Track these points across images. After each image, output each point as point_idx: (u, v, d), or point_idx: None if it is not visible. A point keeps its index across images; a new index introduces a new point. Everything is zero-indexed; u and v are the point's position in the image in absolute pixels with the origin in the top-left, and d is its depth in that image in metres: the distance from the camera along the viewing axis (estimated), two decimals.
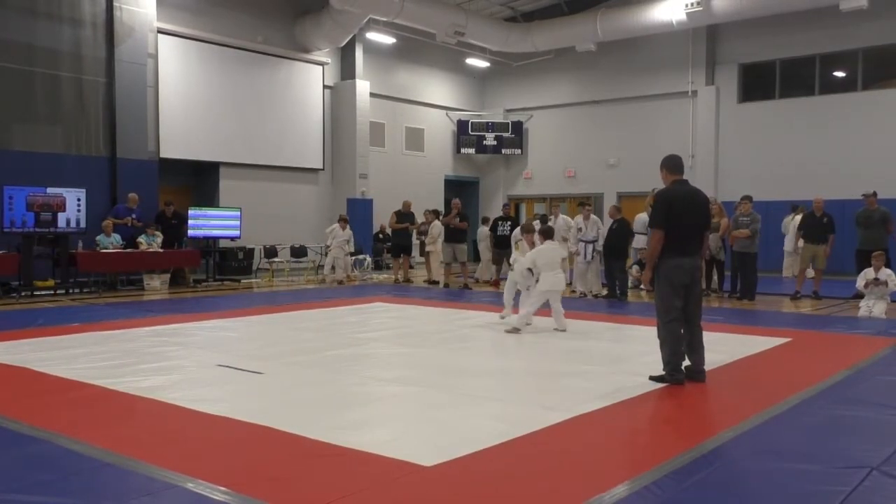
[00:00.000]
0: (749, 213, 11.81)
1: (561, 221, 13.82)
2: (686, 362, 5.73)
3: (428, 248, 15.47)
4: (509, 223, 14.10)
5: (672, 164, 5.86)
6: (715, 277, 12.66)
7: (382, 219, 18.75)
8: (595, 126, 21.16)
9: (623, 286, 12.15)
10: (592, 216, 12.67)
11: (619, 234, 12.07)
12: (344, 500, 3.34)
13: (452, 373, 6.12)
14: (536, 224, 13.04)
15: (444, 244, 14.73)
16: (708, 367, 5.87)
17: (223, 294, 13.06)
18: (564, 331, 8.30)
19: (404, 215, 15.68)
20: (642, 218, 13.91)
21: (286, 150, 18.09)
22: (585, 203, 13.11)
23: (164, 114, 15.82)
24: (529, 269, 8.56)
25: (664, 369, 5.68)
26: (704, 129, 19.15)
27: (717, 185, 18.68)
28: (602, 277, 12.51)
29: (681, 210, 5.63)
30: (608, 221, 12.47)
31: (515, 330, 8.12)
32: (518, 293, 8.82)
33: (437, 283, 14.97)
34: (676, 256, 5.60)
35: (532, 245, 8.61)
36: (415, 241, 16.43)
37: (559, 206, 15.58)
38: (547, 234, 8.49)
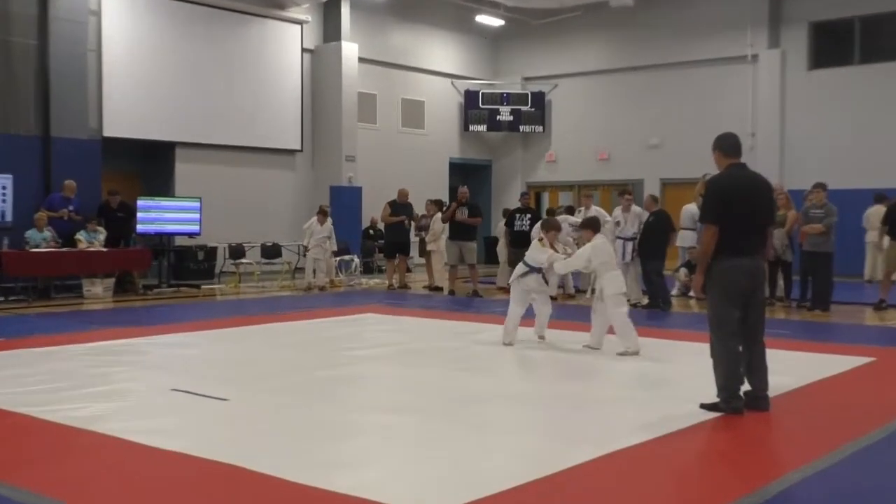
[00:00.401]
0: (823, 204, 11.79)
1: (595, 214, 13.82)
2: (745, 387, 5.72)
3: (429, 247, 15.48)
4: (529, 216, 14.10)
5: (727, 145, 5.85)
6: (780, 283, 12.63)
7: (374, 211, 18.78)
8: (633, 98, 21.18)
9: (662, 293, 12.14)
10: (634, 207, 12.67)
11: (656, 231, 12.07)
12: None
13: (459, 399, 6.13)
14: (565, 219, 13.09)
15: (448, 242, 14.75)
16: (772, 392, 5.86)
17: (179, 303, 13.09)
18: (544, 338, 8.47)
19: (400, 207, 15.69)
20: (691, 210, 13.90)
21: (256, 127, 18.15)
22: (626, 192, 13.11)
23: (109, 83, 15.87)
24: (544, 277, 8.51)
25: (718, 395, 5.67)
26: (767, 102, 19.14)
27: (783, 169, 18.67)
28: (642, 283, 12.52)
29: (738, 200, 5.62)
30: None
31: (632, 353, 7.91)
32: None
33: (440, 289, 15.00)
34: (733, 257, 5.60)
35: (555, 245, 8.58)
36: (413, 239, 16.44)
37: (591, 195, 15.57)
38: (594, 226, 8.40)
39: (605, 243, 8.26)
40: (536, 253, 8.47)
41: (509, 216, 14.79)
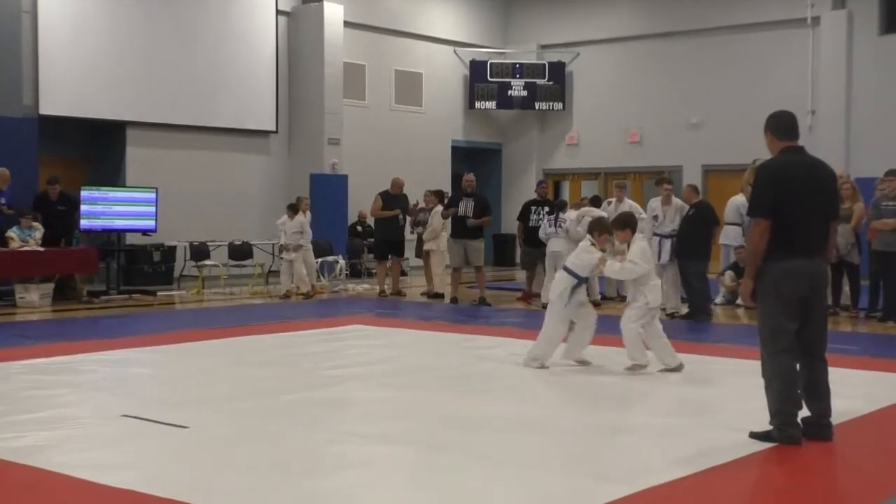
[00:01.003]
0: None
1: (628, 209, 13.80)
2: (804, 412, 5.72)
3: (427, 246, 15.48)
4: (546, 210, 14.14)
5: (781, 125, 5.85)
6: (846, 289, 12.62)
7: (362, 204, 18.79)
8: (670, 69, 21.20)
9: (704, 300, 12.16)
10: (675, 200, 12.63)
11: (697, 226, 12.05)
12: None
13: (462, 427, 6.12)
14: (587, 212, 13.05)
15: (450, 241, 14.75)
16: (836, 418, 5.86)
17: (131, 312, 13.09)
18: (586, 363, 8.38)
19: (394, 199, 15.70)
20: (738, 202, 13.90)
21: (223, 104, 18.17)
22: (665, 180, 13.07)
23: (47, 51, 15.88)
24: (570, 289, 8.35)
25: (771, 422, 5.67)
26: (830, 73, 19.13)
27: (849, 154, 18.65)
28: (682, 289, 12.52)
29: (794, 190, 5.62)
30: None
31: (675, 368, 7.96)
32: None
33: (440, 296, 15.00)
34: (789, 258, 5.60)
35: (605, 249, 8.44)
36: (409, 236, 16.43)
37: (624, 185, 15.53)
38: (631, 224, 8.32)
39: (648, 246, 8.32)
40: (585, 255, 8.28)
41: (523, 209, 14.81)
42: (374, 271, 17.49)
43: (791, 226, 5.60)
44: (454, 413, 6.55)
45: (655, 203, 12.83)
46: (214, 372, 8.20)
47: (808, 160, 5.82)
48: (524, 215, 14.70)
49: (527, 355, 8.39)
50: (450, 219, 14.66)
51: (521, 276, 16.34)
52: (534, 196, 15.18)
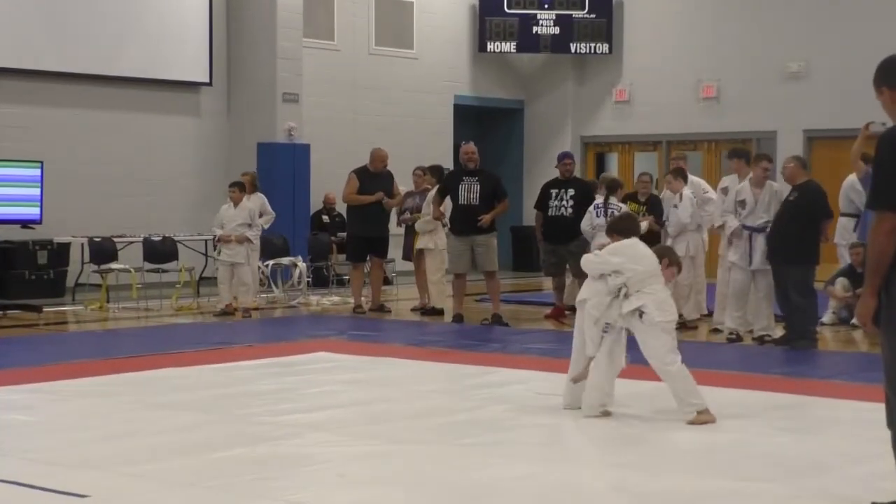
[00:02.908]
0: None
1: (690, 185, 13.81)
2: None
3: (421, 244, 15.45)
4: (572, 194, 14.18)
5: None
6: None
7: (330, 185, 18.82)
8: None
9: (806, 319, 12.16)
10: (769, 182, 12.59)
11: (801, 217, 12.02)
12: None
13: (473, 498, 6.12)
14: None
15: (451, 238, 14.72)
16: None
17: (7, 335, 13.06)
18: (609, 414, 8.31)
19: (374, 178, 15.69)
20: (851, 183, 13.88)
21: (134, 46, 18.20)
22: (764, 156, 12.95)
23: None
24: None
25: None
26: None
27: None
28: (776, 305, 12.52)
29: None
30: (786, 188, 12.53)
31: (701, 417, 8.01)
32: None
33: (438, 312, 15.06)
34: None
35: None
36: (395, 231, 16.41)
37: (684, 156, 15.56)
38: (628, 229, 8.58)
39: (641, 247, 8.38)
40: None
41: (542, 193, 14.90)
42: (346, 278, 17.47)
43: None
44: (460, 478, 6.53)
45: (732, 181, 12.80)
46: (123, 419, 8.16)
47: None
48: (542, 202, 14.72)
49: (584, 405, 8.31)
50: (447, 209, 14.56)
51: (549, 284, 16.32)
52: (555, 175, 15.19)
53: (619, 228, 8.59)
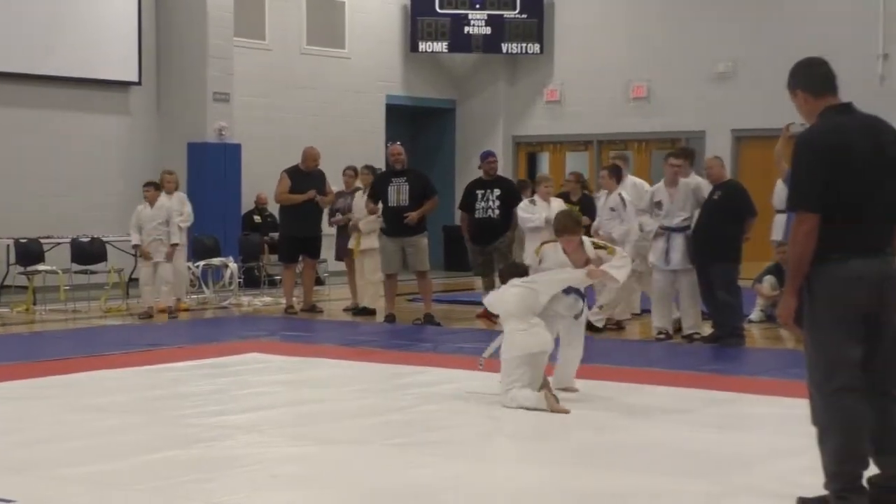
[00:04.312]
0: None
1: (631, 187, 13.86)
2: (872, 469, 5.77)
3: (365, 245, 15.38)
4: (498, 194, 14.24)
5: (817, 77, 5.84)
6: None
7: (261, 185, 18.75)
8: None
9: (734, 316, 12.27)
10: (688, 179, 12.68)
11: (724, 215, 12.14)
12: None
13: (404, 496, 6.13)
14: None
15: (384, 239, 14.68)
16: None
17: None
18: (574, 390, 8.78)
19: (306, 177, 15.64)
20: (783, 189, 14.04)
21: (61, 44, 18.01)
22: (674, 153, 13.12)
23: None
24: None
25: (827, 486, 5.72)
26: None
27: None
28: (701, 302, 12.63)
29: (851, 166, 5.62)
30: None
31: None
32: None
33: (371, 312, 15.07)
34: (847, 258, 5.61)
35: (581, 256, 8.84)
36: (328, 231, 16.37)
37: (625, 156, 15.60)
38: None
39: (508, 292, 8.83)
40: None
41: (466, 193, 14.91)
42: (278, 279, 17.41)
43: (849, 215, 5.61)
44: (394, 478, 6.54)
45: (659, 185, 12.87)
46: (50, 422, 8.08)
47: (862, 120, 5.81)
48: (468, 203, 14.74)
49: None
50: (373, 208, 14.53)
51: (480, 284, 16.32)
52: (478, 175, 15.19)
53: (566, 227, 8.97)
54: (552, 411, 8.17)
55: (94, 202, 18.33)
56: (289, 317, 15.16)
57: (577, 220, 9.22)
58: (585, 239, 9.09)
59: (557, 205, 13.62)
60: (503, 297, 8.90)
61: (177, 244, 15.00)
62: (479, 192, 14.55)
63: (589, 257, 8.86)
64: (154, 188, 15.10)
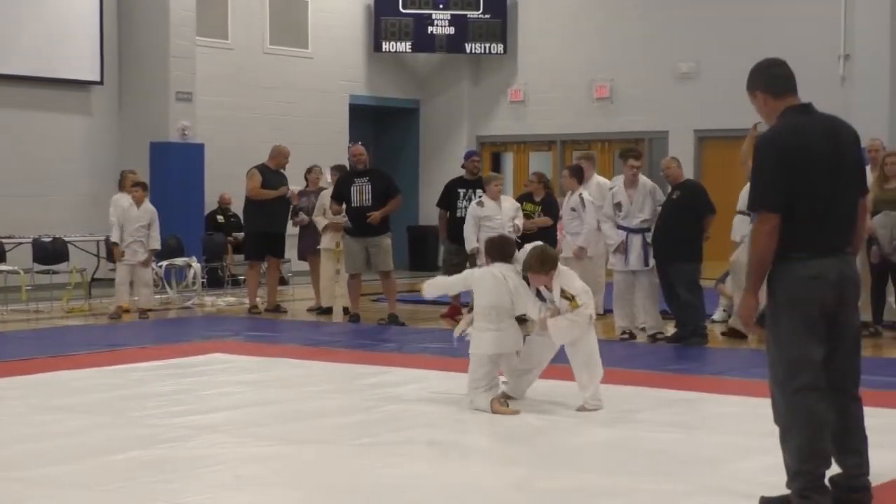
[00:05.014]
0: None
1: (595, 187, 13.90)
2: (833, 468, 5.81)
3: (325, 244, 15.38)
4: (481, 193, 14.23)
5: (776, 78, 5.89)
6: (890, 299, 12.90)
7: (225, 184, 18.69)
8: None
9: (696, 316, 12.35)
10: (644, 179, 12.77)
11: (683, 214, 12.20)
12: None
13: (369, 496, 6.13)
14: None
15: (347, 239, 14.65)
16: (876, 477, 5.94)
17: None
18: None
19: (275, 174, 15.58)
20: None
21: (21, 43, 17.91)
22: (630, 153, 13.17)
23: None
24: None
25: (789, 485, 5.75)
26: (870, 5, 19.39)
27: (894, 113, 18.92)
28: (662, 301, 12.69)
29: (812, 166, 5.66)
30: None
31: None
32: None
33: (333, 311, 15.07)
34: (807, 258, 5.65)
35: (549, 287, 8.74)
36: (291, 231, 16.33)
37: (591, 157, 15.65)
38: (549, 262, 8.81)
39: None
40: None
41: (446, 192, 14.92)
42: (241, 279, 17.36)
43: (810, 215, 5.64)
44: (358, 478, 6.55)
45: (617, 183, 12.90)
46: (13, 423, 8.06)
47: (822, 121, 5.84)
48: (448, 200, 14.73)
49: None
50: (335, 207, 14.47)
51: None
52: (461, 174, 15.22)
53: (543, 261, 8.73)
54: (493, 412, 8.22)
55: (56, 202, 18.22)
56: (253, 317, 15.14)
57: (542, 261, 8.62)
58: (557, 283, 8.60)
59: (509, 204, 13.68)
60: (481, 282, 8.72)
61: (157, 249, 14.97)
62: (461, 191, 14.56)
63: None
64: (143, 188, 15.05)
